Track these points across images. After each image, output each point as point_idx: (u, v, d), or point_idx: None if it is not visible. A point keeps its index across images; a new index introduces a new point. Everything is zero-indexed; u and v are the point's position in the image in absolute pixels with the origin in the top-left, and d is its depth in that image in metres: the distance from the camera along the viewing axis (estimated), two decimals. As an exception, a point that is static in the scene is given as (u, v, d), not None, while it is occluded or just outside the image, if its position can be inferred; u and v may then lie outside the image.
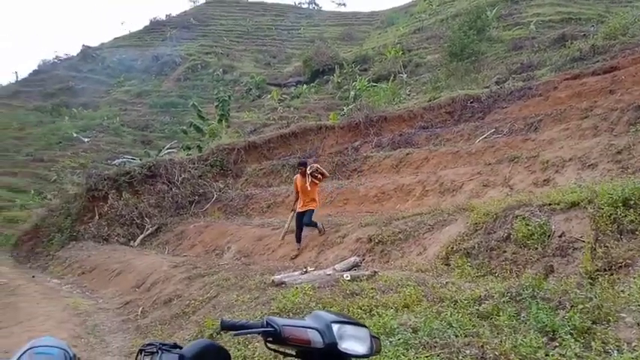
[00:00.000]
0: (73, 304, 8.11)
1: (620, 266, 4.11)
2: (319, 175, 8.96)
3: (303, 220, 8.77)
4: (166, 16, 63.12)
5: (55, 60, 52.03)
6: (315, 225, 8.77)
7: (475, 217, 6.15)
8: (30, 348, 1.19)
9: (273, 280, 5.91)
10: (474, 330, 3.29)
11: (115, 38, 57.69)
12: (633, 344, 2.73)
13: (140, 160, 19.31)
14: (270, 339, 1.32)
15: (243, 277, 6.90)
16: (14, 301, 8.58)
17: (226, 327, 1.38)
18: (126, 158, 21.53)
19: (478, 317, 3.52)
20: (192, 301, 6.47)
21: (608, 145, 7.89)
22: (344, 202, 11.39)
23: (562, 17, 27.42)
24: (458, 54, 21.60)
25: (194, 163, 16.06)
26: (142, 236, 13.76)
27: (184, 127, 25.13)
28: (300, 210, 8.89)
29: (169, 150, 21.78)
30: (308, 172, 8.89)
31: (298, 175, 9.13)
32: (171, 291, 7.48)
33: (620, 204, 4.50)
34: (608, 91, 11.48)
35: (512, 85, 15.07)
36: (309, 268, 6.16)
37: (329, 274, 5.62)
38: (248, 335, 1.42)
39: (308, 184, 8.77)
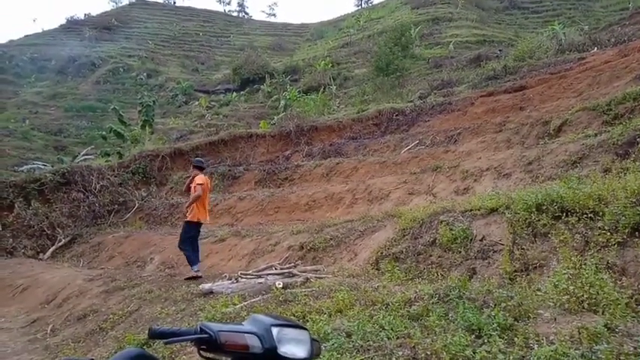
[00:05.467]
0: (-34, 326, 7.20)
1: (536, 266, 4.41)
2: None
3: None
4: (85, 15, 59.84)
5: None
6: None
7: (403, 223, 6.34)
8: None
9: (200, 290, 5.65)
10: (406, 331, 3.34)
11: (26, 36, 53.39)
12: (551, 338, 2.91)
13: (52, 166, 17.85)
14: (204, 347, 1.23)
15: (167, 288, 6.55)
16: None
17: (155, 335, 1.27)
18: (36, 164, 19.81)
19: (409, 319, 3.58)
20: (111, 316, 6.00)
21: (520, 157, 8.55)
22: (275, 211, 11.28)
23: (477, 39, 29.68)
24: (384, 69, 22.48)
25: (114, 170, 15.14)
26: (52, 248, 12.62)
27: (103, 133, 23.64)
28: (200, 221, 7.16)
29: (86, 156, 20.36)
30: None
31: (201, 175, 7.23)
32: (86, 306, 6.90)
33: (534, 209, 4.84)
34: (518, 107, 12.49)
35: (433, 100, 15.92)
36: (239, 276, 5.96)
37: (260, 283, 5.48)
38: (180, 343, 1.30)
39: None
